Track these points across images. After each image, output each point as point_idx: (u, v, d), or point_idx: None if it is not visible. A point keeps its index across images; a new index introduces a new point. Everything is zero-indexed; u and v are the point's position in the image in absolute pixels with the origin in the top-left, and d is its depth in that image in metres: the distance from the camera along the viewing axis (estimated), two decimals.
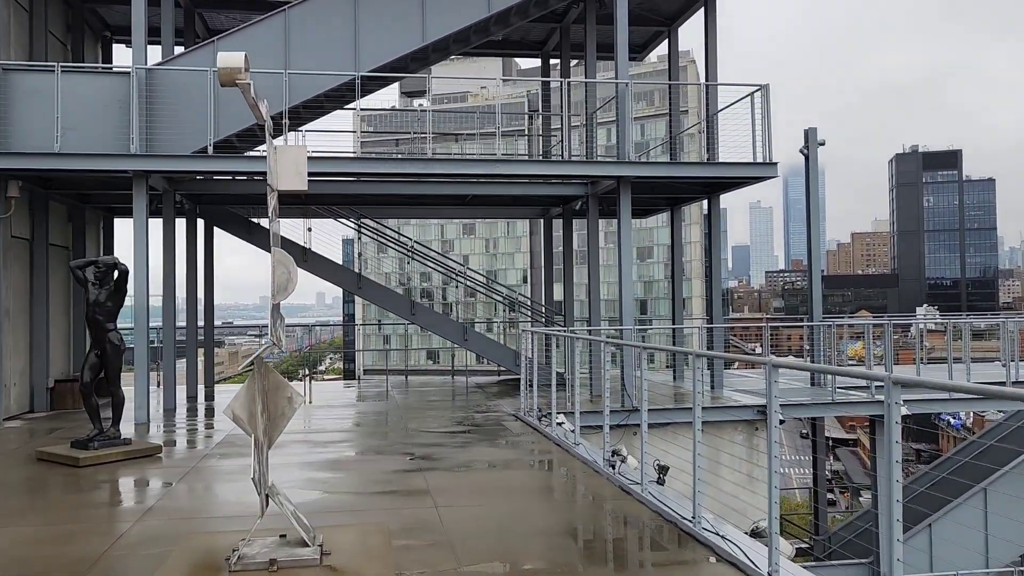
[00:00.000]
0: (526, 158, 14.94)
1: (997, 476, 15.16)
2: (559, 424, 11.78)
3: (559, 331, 12.10)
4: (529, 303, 21.57)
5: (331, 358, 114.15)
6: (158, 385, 16.08)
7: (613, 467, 8.97)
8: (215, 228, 18.36)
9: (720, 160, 15.04)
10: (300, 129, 16.49)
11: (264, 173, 12.59)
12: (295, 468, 9.32)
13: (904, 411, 15.22)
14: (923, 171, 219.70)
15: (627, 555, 6.10)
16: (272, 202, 5.70)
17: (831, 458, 71.76)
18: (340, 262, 18.96)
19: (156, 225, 15.02)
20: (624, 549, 6.25)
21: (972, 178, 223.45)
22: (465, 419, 13.40)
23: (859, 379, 14.54)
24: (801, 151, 16.78)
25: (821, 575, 14.58)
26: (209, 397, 17.19)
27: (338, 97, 15.03)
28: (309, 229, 18.73)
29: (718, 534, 6.33)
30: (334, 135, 14.38)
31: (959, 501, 15.30)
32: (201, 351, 18.27)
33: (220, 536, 5.97)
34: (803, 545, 19.45)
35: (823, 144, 16.72)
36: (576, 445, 10.18)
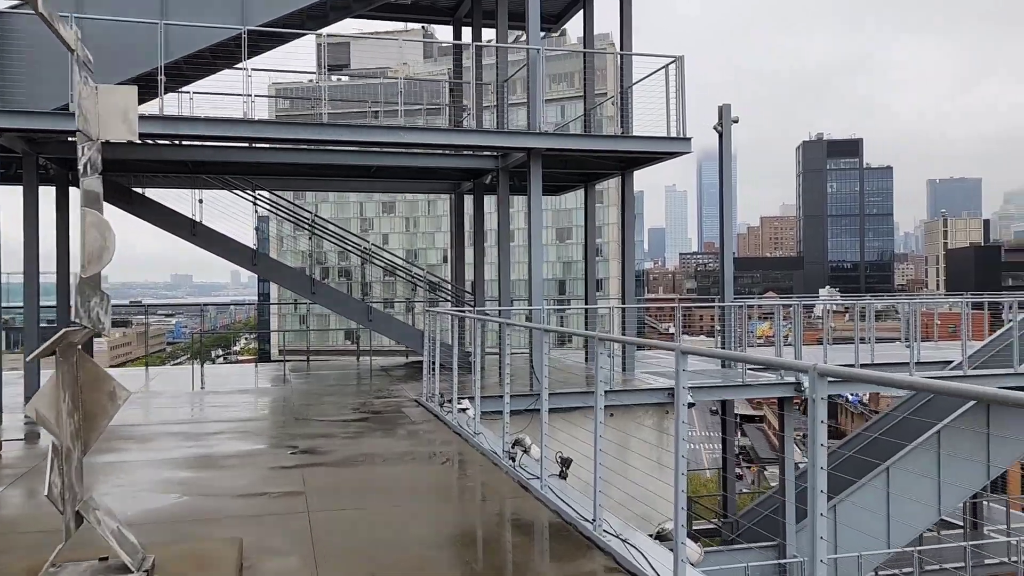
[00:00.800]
0: (431, 127, 14.00)
1: (899, 456, 15.28)
2: (462, 410, 11.03)
3: (458, 312, 11.32)
4: (438, 284, 20.68)
5: (247, 338, 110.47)
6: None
7: (513, 460, 8.27)
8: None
9: (634, 135, 14.47)
10: (185, 91, 15.03)
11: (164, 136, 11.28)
12: (156, 466, 8.24)
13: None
14: (827, 158, 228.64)
15: (516, 568, 5.38)
16: (88, 153, 4.64)
17: (739, 434, 73.91)
18: (254, 240, 17.50)
19: (15, 192, 13.43)
20: (514, 561, 5.53)
21: (872, 166, 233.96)
22: (363, 406, 12.48)
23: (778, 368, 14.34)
24: (715, 128, 16.40)
25: (729, 559, 14.39)
26: None
27: (229, 55, 13.71)
28: (200, 201, 17.28)
29: (620, 538, 5.70)
30: (232, 100, 13.06)
31: (863, 482, 15.37)
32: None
33: (29, 558, 4.94)
34: (711, 526, 19.44)
35: (737, 121, 16.39)
36: (476, 435, 9.44)
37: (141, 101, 13.72)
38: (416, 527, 6.08)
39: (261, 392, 14.34)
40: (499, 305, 15.75)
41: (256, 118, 12.32)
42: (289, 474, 7.83)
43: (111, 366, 22.81)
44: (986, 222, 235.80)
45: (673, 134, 14.08)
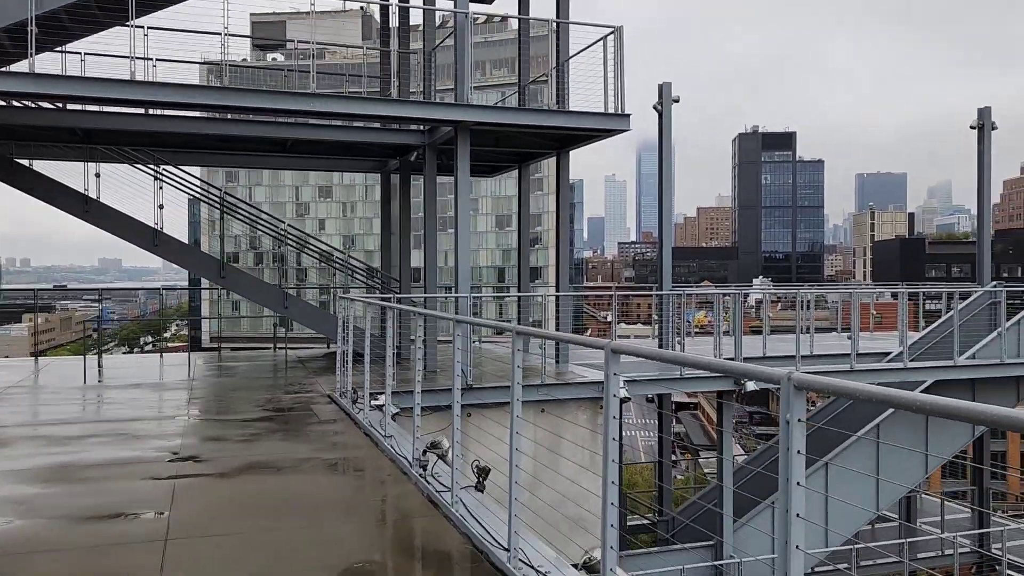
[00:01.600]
0: (348, 95, 12.74)
1: (840, 450, 14.82)
2: (377, 407, 9.93)
3: (365, 299, 10.23)
4: (363, 270, 19.43)
5: (177, 325, 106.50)
6: None
7: (425, 468, 7.25)
8: None
9: (571, 110, 13.51)
10: (63, 50, 13.34)
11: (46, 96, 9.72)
12: None
13: (752, 387, 14.56)
14: (762, 151, 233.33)
15: None
16: None
17: (674, 422, 74.42)
18: (158, 220, 15.91)
19: None
20: None
21: (804, 159, 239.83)
22: (269, 402, 11.27)
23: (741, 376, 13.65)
24: (655, 107, 15.59)
25: (664, 561, 13.70)
26: None
27: (119, 11, 12.19)
28: (97, 175, 15.65)
29: (539, 571, 4.74)
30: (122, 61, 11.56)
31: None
32: None
33: None
34: (645, 521, 18.81)
35: (677, 101, 15.63)
36: (387, 437, 8.38)
37: (19, 59, 12.14)
38: (296, 559, 5.01)
39: (159, 387, 12.94)
40: (424, 292, 14.67)
41: (144, 80, 10.90)
42: (158, 488, 6.63)
43: (32, 353, 21.10)
44: (911, 215, 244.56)
45: (611, 110, 13.18)
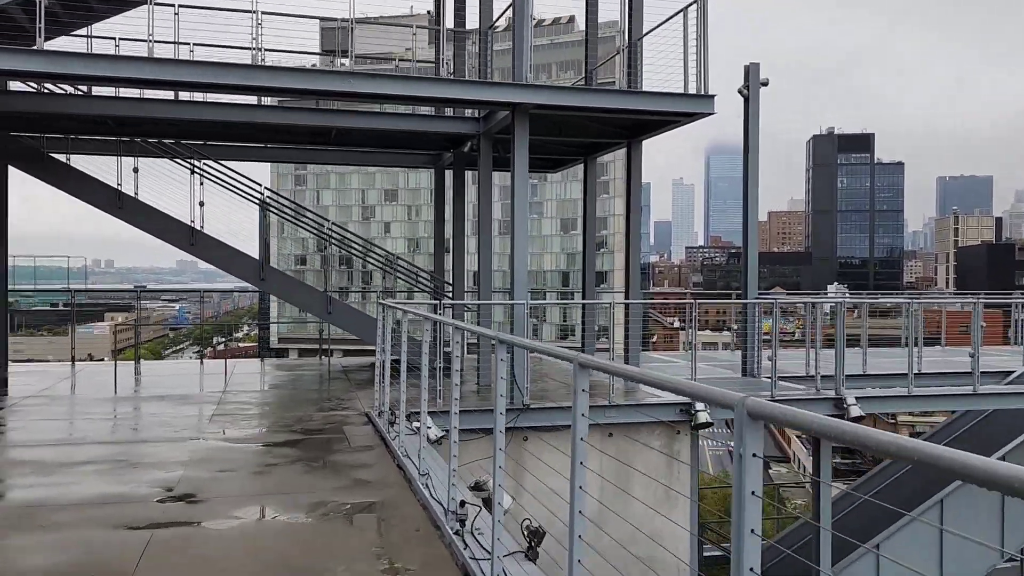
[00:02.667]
0: (391, 74, 11.36)
1: (955, 487, 12.68)
2: (413, 431, 8.46)
3: (406, 305, 8.79)
4: (415, 273, 18.08)
5: (248, 325, 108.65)
6: None
7: (462, 523, 5.72)
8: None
9: (645, 90, 11.83)
10: (88, 33, 12.32)
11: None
12: None
13: (858, 411, 12.57)
14: (838, 153, 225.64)
15: None
16: None
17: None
18: (197, 217, 14.92)
19: None
20: None
21: (883, 161, 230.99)
22: (298, 422, 9.94)
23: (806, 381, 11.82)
24: (740, 91, 13.74)
25: None
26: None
27: None
28: (135, 170, 14.72)
29: None
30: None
31: (912, 516, 12.82)
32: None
33: None
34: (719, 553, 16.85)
35: (766, 84, 13.76)
36: (423, 475, 6.88)
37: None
38: None
39: (186, 400, 11.75)
40: (479, 297, 13.20)
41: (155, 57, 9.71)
42: (128, 544, 5.28)
43: (114, 350, 20.85)
44: (998, 220, 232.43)
45: (692, 91, 11.45)
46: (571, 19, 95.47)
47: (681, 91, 11.47)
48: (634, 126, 13.05)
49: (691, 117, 11.73)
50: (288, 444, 8.60)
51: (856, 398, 12.08)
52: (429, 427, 9.16)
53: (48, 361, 15.52)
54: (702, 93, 11.39)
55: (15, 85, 12.43)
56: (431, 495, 6.43)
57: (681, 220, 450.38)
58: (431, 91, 10.87)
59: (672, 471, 11.69)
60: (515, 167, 11.32)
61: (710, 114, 11.51)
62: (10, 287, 14.53)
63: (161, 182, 15.02)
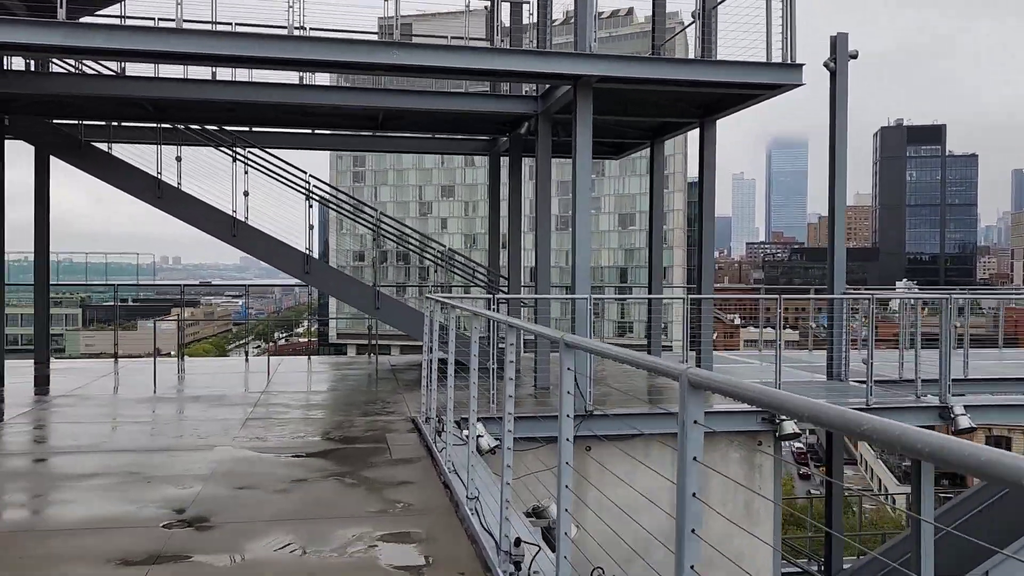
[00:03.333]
0: (436, 44, 10.32)
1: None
2: (460, 443, 7.42)
3: (453, 299, 7.75)
4: (471, 266, 17.08)
5: (308, 320, 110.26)
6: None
7: (517, 567, 4.64)
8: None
9: (722, 59, 10.55)
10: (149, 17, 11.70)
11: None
12: None
13: (967, 423, 11.08)
14: (907, 145, 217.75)
15: None
16: None
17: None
18: (241, 208, 14.21)
19: None
20: None
21: (955, 153, 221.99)
22: (338, 427, 9.03)
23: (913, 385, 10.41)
24: (826, 64, 12.33)
25: None
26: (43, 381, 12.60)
27: None
28: (178, 158, 14.09)
29: None
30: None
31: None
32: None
33: None
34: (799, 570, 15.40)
35: (855, 56, 12.34)
36: (471, 499, 5.82)
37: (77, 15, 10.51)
38: None
39: (221, 401, 10.95)
40: (536, 292, 12.12)
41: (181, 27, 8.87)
42: None
43: (185, 344, 20.79)
44: None
45: (776, 60, 10.14)
46: (630, 11, 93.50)
47: (764, 60, 10.16)
48: (707, 103, 11.79)
49: (776, 90, 10.40)
50: (322, 455, 7.66)
51: (964, 407, 10.63)
52: (480, 435, 8.15)
53: (119, 356, 15.11)
54: (789, 62, 10.07)
55: (50, 67, 11.88)
56: (481, 524, 5.38)
57: (741, 215, 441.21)
58: (486, 63, 9.79)
59: (752, 485, 10.43)
60: (577, 149, 10.19)
61: (797, 85, 10.17)
62: (79, 282, 14.07)
63: (204, 171, 14.39)
